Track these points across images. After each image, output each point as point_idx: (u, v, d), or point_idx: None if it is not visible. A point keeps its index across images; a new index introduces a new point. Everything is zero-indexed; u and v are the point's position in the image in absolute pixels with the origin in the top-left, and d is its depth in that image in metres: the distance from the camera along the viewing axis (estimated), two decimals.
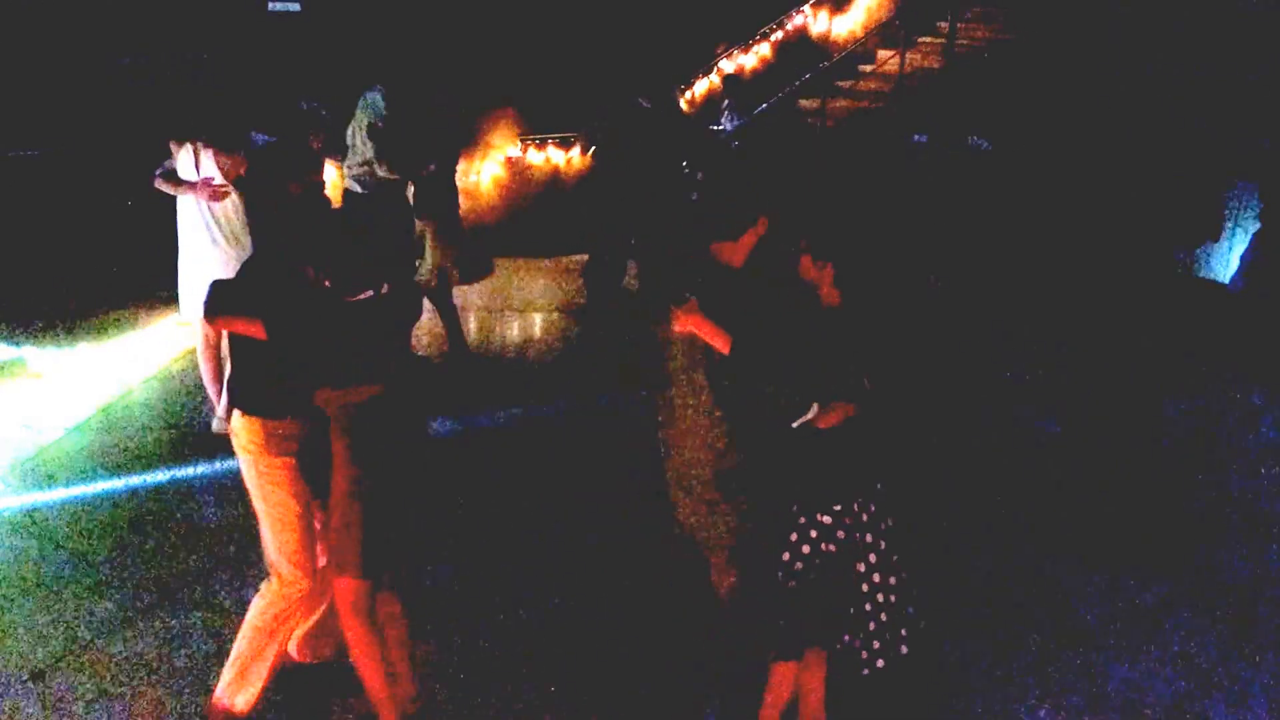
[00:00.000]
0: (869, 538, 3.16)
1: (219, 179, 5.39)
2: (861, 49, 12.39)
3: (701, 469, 3.18)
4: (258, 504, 3.36)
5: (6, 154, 7.66)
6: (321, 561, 3.42)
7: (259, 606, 3.41)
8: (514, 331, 8.14)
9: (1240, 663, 4.00)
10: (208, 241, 5.46)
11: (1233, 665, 3.98)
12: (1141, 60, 10.18)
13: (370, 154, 6.33)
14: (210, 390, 5.48)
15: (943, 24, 11.90)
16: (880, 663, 3.17)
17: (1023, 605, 4.36)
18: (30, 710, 3.63)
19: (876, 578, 3.17)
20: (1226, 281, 8.21)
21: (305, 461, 3.31)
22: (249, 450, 3.31)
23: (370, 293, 3.12)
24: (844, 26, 13.01)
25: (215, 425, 5.47)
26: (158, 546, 4.67)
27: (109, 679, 3.78)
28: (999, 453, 5.70)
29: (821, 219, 3.14)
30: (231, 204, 5.41)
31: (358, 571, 3.23)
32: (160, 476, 5.19)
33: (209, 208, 5.41)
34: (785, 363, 2.99)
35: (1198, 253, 9.20)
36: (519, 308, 8.51)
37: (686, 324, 3.06)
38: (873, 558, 3.16)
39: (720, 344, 3.01)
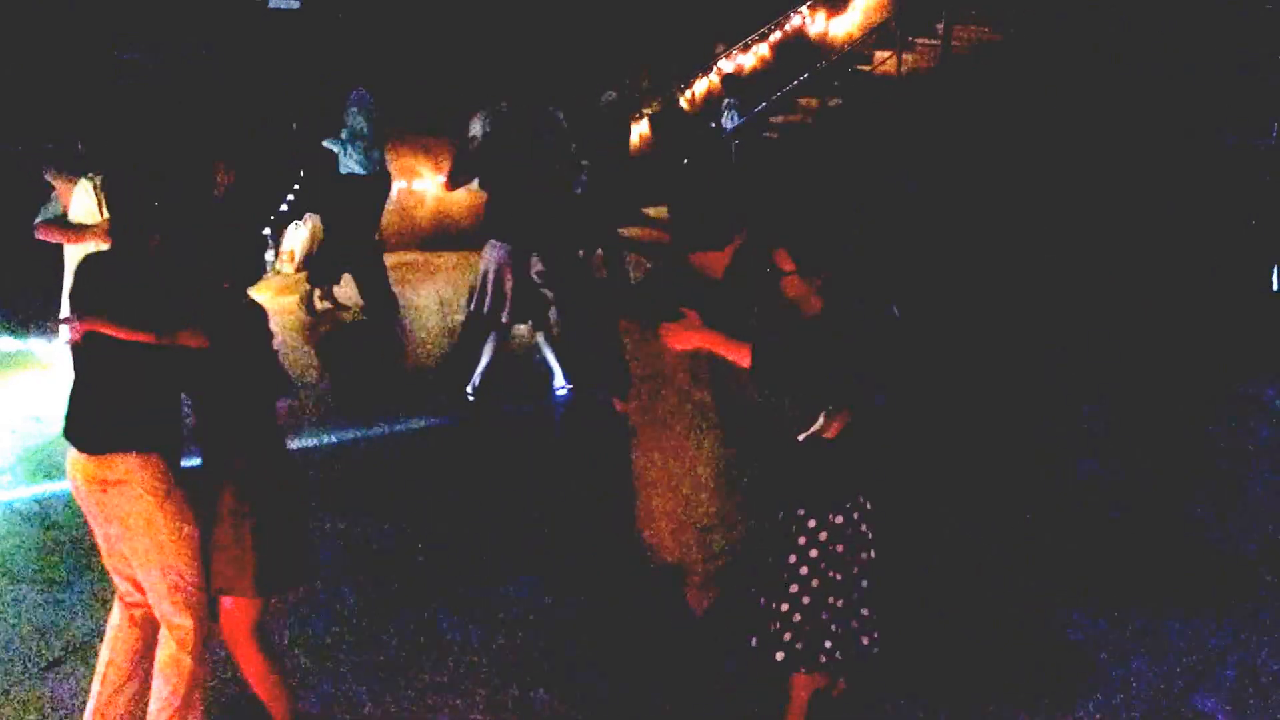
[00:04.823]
0: (870, 536, 3.18)
1: None
2: (858, 49, 12.48)
3: (696, 492, 3.03)
4: (154, 551, 3.00)
5: (12, 147, 7.67)
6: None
7: (175, 671, 3.09)
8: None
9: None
10: None
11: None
12: (1134, 61, 10.29)
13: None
14: None
15: (939, 25, 12.00)
16: (839, 655, 3.20)
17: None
18: (44, 700, 3.63)
19: (865, 581, 3.20)
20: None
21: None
22: (153, 493, 2.96)
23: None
24: (841, 27, 13.09)
25: None
26: None
27: None
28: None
29: (808, 234, 3.03)
30: None
31: (252, 590, 3.09)
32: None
33: None
34: (804, 372, 2.89)
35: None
36: None
37: (690, 340, 2.91)
38: (864, 557, 3.18)
39: (738, 357, 2.88)
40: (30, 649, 3.92)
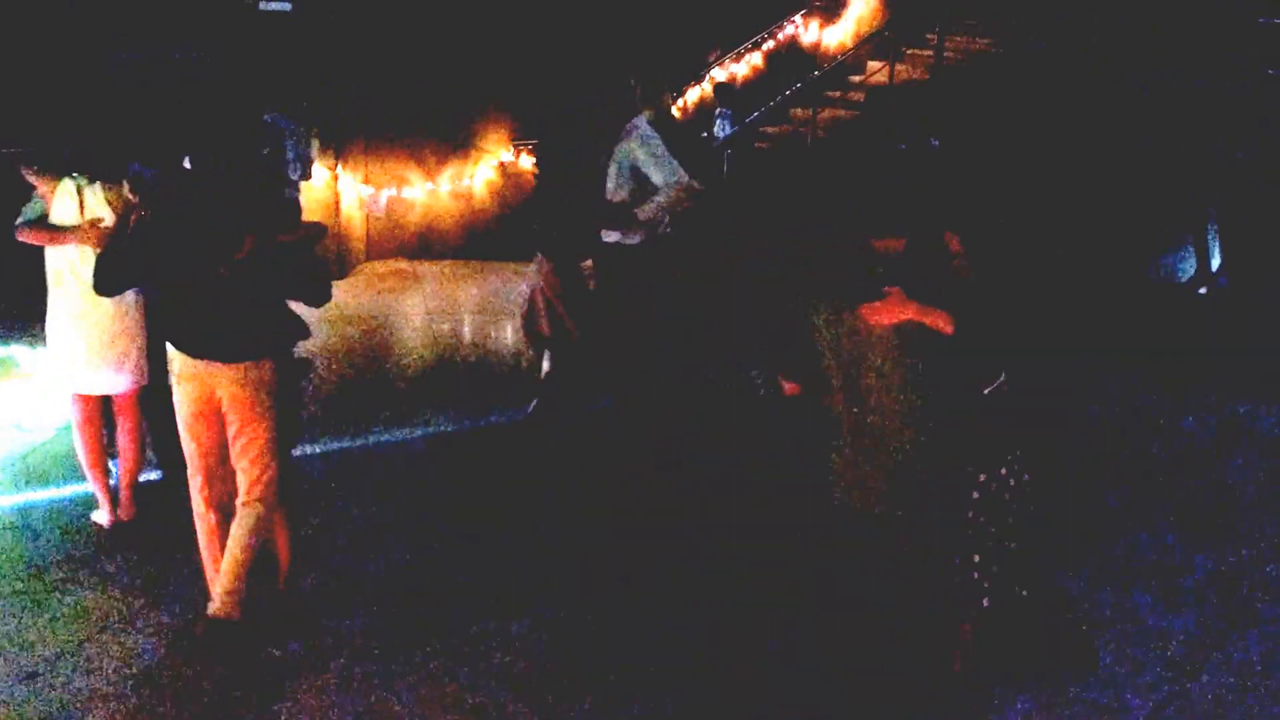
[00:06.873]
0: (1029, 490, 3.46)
1: (109, 219, 4.49)
2: (852, 59, 12.49)
3: (909, 446, 3.37)
4: (268, 429, 3.85)
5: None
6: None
7: (261, 529, 3.90)
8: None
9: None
10: (90, 298, 4.38)
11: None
12: (1124, 74, 10.31)
13: None
14: (92, 478, 4.78)
15: (931, 36, 12.01)
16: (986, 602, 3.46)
17: None
18: (24, 711, 3.60)
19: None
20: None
21: None
22: (274, 388, 3.85)
23: None
24: (834, 37, 13.11)
25: (99, 516, 4.83)
26: (149, 545, 4.64)
27: (103, 679, 3.76)
28: None
29: (975, 220, 3.45)
30: None
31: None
32: (151, 475, 5.11)
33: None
34: (994, 337, 3.28)
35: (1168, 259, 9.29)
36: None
37: (900, 313, 3.24)
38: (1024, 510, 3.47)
39: (940, 324, 3.21)
40: (10, 659, 3.88)
